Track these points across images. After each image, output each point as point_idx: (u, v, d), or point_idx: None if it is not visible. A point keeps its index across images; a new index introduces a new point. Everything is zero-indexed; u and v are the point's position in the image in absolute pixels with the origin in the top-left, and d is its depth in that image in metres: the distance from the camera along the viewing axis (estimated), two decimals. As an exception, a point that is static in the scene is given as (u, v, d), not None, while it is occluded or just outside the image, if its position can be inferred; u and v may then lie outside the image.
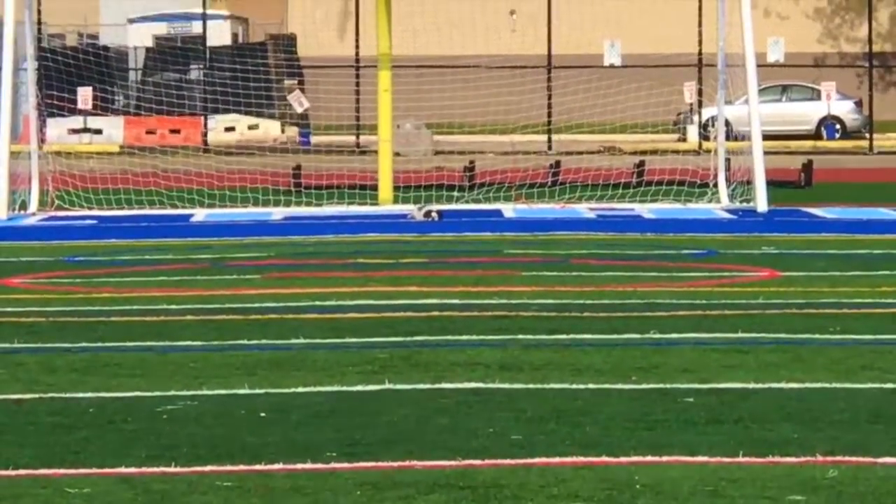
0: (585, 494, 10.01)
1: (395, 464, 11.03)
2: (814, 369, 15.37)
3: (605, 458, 11.24)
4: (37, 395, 14.26)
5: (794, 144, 48.50)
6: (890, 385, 14.49)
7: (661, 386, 14.58)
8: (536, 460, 11.20)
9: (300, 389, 14.37)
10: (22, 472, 10.99)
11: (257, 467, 10.99)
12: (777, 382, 14.60)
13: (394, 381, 14.55)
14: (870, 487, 10.18)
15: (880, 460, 10.99)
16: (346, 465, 11.04)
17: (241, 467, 11.07)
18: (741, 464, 10.95)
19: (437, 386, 14.39)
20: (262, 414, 13.17)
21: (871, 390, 14.45)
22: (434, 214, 28.53)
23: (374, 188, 34.21)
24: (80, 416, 13.27)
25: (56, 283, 21.89)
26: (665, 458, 11.28)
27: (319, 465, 10.95)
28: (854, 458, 11.02)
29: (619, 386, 14.63)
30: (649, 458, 11.24)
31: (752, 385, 14.42)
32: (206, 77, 62.67)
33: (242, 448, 11.76)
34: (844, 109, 61.97)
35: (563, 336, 17.46)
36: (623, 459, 11.15)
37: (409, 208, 31.42)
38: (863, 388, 14.67)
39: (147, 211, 32.62)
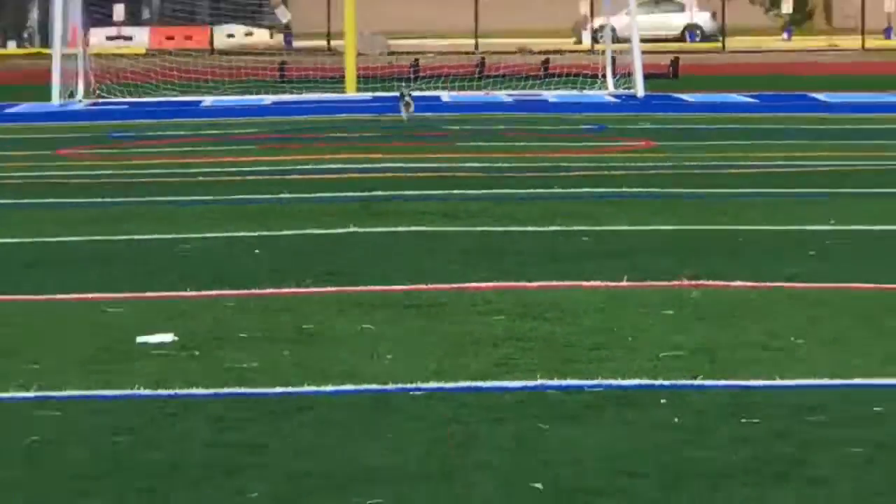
0: (506, 312, 10.49)
1: (359, 288, 11.55)
2: (683, 216, 15.57)
3: (520, 283, 11.62)
4: (81, 238, 14.48)
5: (664, 46, 48.46)
6: (740, 239, 14.44)
7: (564, 228, 14.81)
8: (468, 285, 11.49)
9: (286, 232, 14.79)
10: (68, 296, 11.32)
11: (254, 291, 11.46)
12: (655, 226, 14.83)
13: (358, 226, 14.67)
14: (724, 305, 10.49)
15: (732, 284, 11.11)
16: (322, 289, 11.54)
17: (242, 291, 11.45)
18: (625, 287, 11.05)
19: (391, 229, 14.61)
20: (257, 251, 13.28)
21: (727, 231, 14.66)
22: (408, 98, 28.31)
23: (342, 81, 34.15)
24: (116, 253, 13.57)
25: (98, 153, 21.89)
26: (566, 283, 11.59)
27: (302, 290, 11.35)
28: (712, 283, 11.13)
29: (532, 228, 14.93)
30: (554, 283, 11.45)
31: (634, 227, 14.69)
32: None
33: (242, 277, 12.25)
34: (703, 19, 62.38)
35: (490, 191, 17.60)
36: (534, 284, 11.58)
37: (365, 97, 31.61)
38: (720, 229, 14.89)
39: (167, 98, 32.56)
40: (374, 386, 8.10)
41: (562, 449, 6.97)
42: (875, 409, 7.55)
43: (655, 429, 6.97)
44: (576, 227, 14.58)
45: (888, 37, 61.88)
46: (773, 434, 6.88)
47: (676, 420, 7.25)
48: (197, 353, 8.96)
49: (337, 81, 33.97)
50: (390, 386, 8.15)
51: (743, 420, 7.32)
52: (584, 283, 11.64)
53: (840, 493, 5.95)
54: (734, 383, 7.88)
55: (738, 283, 11.40)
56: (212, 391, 8.13)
